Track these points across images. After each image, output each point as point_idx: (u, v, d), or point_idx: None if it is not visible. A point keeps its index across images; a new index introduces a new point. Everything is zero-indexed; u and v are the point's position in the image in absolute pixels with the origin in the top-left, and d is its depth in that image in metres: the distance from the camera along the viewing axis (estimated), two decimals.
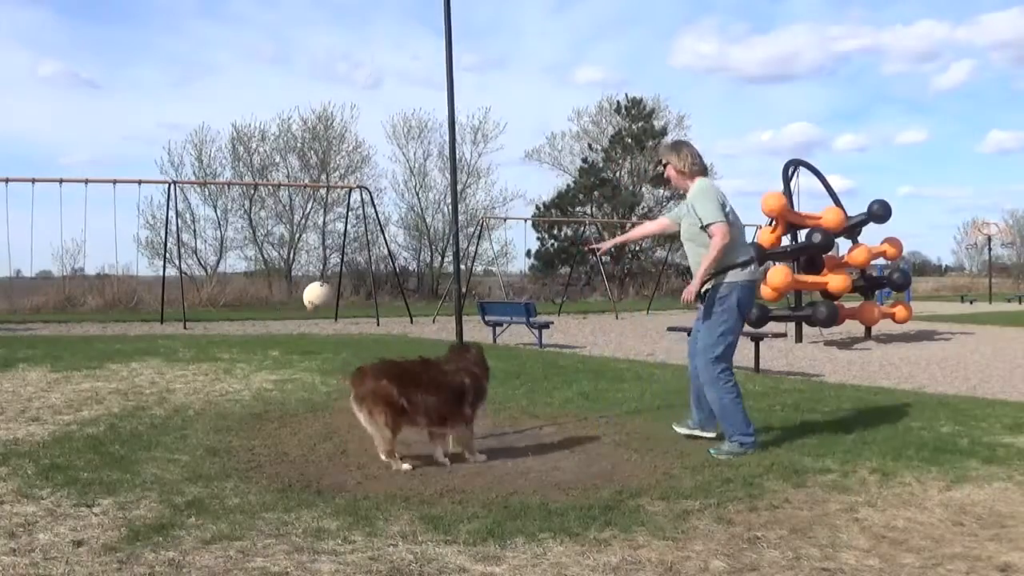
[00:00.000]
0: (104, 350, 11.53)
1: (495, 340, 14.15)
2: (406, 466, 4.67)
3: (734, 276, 5.16)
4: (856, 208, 14.93)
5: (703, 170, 5.51)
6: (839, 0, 77.31)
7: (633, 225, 40.03)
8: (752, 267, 5.25)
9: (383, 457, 4.73)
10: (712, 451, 5.05)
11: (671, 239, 36.03)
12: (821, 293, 14.49)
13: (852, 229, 14.73)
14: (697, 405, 5.47)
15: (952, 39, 74.40)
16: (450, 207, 6.61)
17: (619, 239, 6.49)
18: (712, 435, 5.40)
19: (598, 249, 5.90)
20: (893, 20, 79.92)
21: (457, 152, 6.05)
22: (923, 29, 75.39)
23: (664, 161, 5.59)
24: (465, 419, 4.86)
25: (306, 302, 5.89)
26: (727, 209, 5.22)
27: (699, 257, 5.22)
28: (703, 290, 5.22)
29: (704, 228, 5.16)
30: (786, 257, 14.72)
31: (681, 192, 5.63)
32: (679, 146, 5.62)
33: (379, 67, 65.40)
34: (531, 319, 13.65)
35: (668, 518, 3.74)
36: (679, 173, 5.48)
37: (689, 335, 5.82)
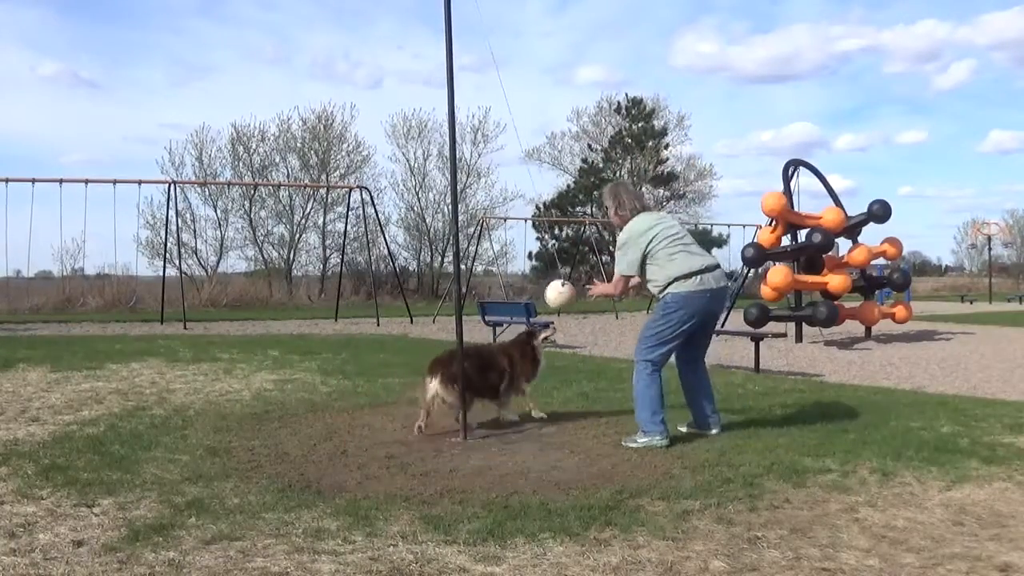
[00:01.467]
0: (104, 350, 11.54)
1: (495, 340, 14.15)
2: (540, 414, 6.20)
3: (678, 287, 5.41)
4: (856, 208, 14.94)
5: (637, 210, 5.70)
6: (840, 0, 77.29)
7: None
8: (698, 278, 5.41)
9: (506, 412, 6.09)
10: (624, 440, 5.36)
11: None
12: (821, 293, 14.48)
13: (852, 229, 14.72)
14: (691, 406, 5.76)
15: (953, 39, 74.45)
16: (450, 207, 6.60)
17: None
18: (715, 431, 5.64)
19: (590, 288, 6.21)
20: (894, 20, 80.00)
21: (457, 152, 6.04)
22: (924, 29, 75.43)
23: (608, 209, 5.81)
24: (514, 390, 6.12)
25: (552, 302, 6.16)
26: (646, 248, 5.49)
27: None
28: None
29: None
30: (786, 257, 14.72)
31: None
32: (611, 193, 5.84)
33: (379, 67, 65.40)
34: (531, 319, 13.65)
35: (668, 518, 3.74)
36: (618, 219, 5.70)
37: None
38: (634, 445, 5.25)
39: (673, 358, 5.67)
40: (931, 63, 77.06)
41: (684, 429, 5.72)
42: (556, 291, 6.06)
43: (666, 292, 5.45)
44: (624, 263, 5.60)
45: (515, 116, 76.61)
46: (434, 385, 5.70)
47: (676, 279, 5.41)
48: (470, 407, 5.71)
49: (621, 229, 5.69)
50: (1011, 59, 75.77)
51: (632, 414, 6.36)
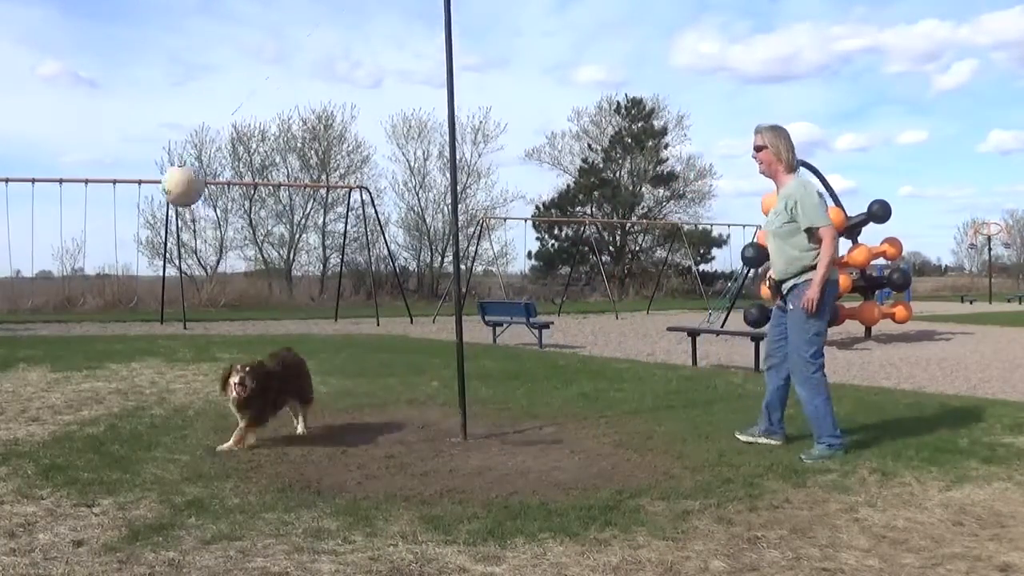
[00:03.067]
0: (104, 350, 11.54)
1: (495, 340, 14.15)
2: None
3: (832, 274, 5.06)
4: (856, 208, 14.93)
5: (796, 167, 5.25)
6: (841, 0, 77.24)
7: (634, 222, 40.16)
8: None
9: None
10: (803, 456, 4.92)
11: (673, 238, 36.11)
12: None
13: (852, 229, 14.72)
14: (767, 413, 5.37)
15: (954, 39, 74.30)
16: (450, 207, 6.60)
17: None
18: (778, 443, 5.29)
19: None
20: (895, 20, 79.73)
21: (457, 152, 6.03)
22: (925, 29, 75.24)
23: (763, 142, 5.16)
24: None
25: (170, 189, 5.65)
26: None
27: (788, 256, 5.10)
28: (785, 291, 5.14)
29: (811, 230, 5.00)
30: None
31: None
32: (781, 132, 5.19)
33: (379, 67, 65.38)
34: (531, 319, 13.65)
35: (668, 518, 3.74)
36: (777, 161, 5.15)
37: (764, 339, 5.55)
38: (811, 461, 4.81)
39: (769, 359, 5.36)
40: (932, 63, 76.96)
41: (745, 438, 5.37)
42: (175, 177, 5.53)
43: (807, 279, 5.00)
44: (826, 215, 4.97)
45: (515, 116, 76.55)
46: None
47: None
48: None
49: (766, 172, 5.19)
50: (1012, 59, 75.68)
51: (632, 416, 6.38)
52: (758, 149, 5.19)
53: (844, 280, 13.93)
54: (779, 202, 5.16)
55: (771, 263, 5.33)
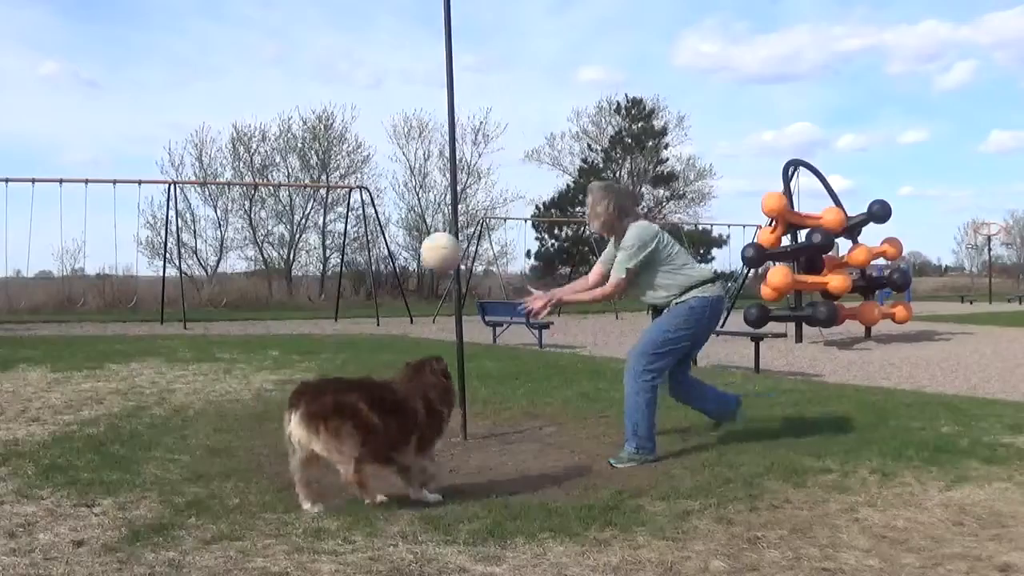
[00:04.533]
0: (104, 350, 11.54)
1: (495, 340, 14.15)
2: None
3: (704, 291, 5.13)
4: (857, 208, 14.94)
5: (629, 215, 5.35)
6: (841, 0, 77.20)
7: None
8: (718, 284, 5.29)
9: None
10: (612, 460, 4.89)
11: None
12: (821, 293, 14.48)
13: (852, 229, 14.73)
14: (705, 412, 5.68)
15: (955, 39, 74.26)
16: (450, 207, 6.60)
17: (557, 296, 5.69)
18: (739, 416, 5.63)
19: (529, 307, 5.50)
20: (896, 20, 79.68)
21: (457, 152, 6.03)
22: (926, 29, 75.19)
23: (593, 203, 5.31)
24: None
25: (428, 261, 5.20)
26: (655, 253, 5.13)
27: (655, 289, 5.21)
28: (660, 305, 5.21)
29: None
30: (786, 257, 14.72)
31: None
32: (609, 190, 5.42)
33: (380, 67, 65.43)
34: (531, 319, 13.64)
35: (668, 518, 3.74)
36: (613, 218, 5.27)
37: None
38: (623, 465, 4.81)
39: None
40: (933, 63, 76.96)
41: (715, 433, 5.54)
42: (436, 245, 5.29)
43: (688, 296, 5.08)
44: (633, 262, 5.09)
45: (516, 116, 76.61)
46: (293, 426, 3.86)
47: (702, 283, 5.12)
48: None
49: (608, 232, 5.32)
50: (1013, 59, 75.63)
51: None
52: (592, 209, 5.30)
53: (844, 280, 13.95)
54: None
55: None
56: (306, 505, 3.85)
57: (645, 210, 42.13)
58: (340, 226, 32.05)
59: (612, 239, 5.39)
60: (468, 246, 31.45)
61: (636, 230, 5.18)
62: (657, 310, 5.29)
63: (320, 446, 3.76)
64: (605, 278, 5.38)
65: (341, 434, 3.77)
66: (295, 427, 3.77)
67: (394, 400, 4.00)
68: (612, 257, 5.35)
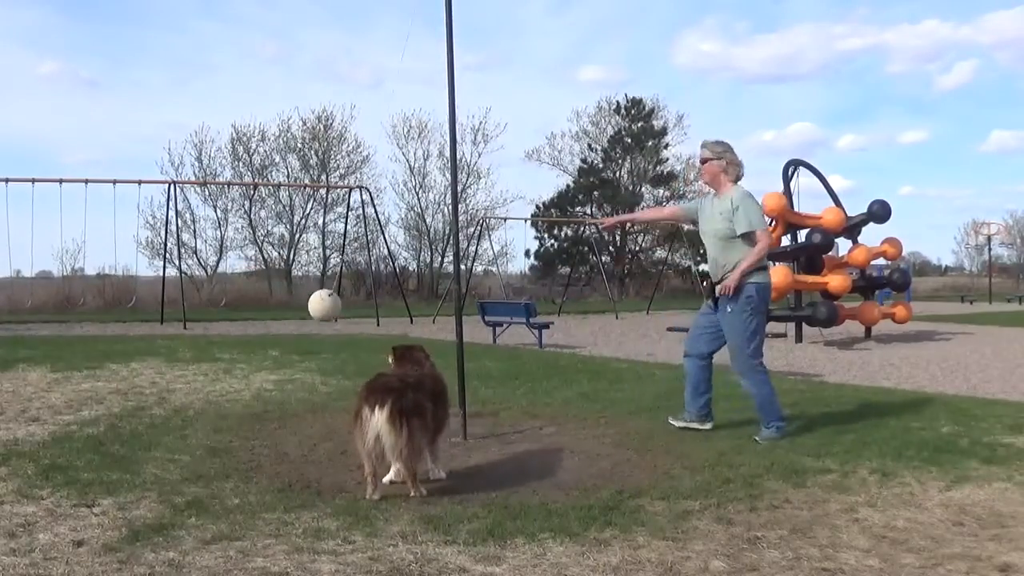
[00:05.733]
0: (104, 350, 11.54)
1: (495, 340, 14.16)
2: None
3: (760, 277, 5.48)
4: (857, 208, 14.94)
5: (740, 177, 5.72)
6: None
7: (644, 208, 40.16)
8: (769, 268, 5.64)
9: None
10: (756, 438, 5.40)
11: (673, 238, 36.11)
12: (821, 293, 14.48)
13: (852, 229, 14.72)
14: (692, 399, 5.76)
15: (955, 39, 74.21)
16: (450, 207, 6.60)
17: (628, 217, 6.49)
18: (708, 427, 5.71)
19: (602, 224, 6.12)
20: (897, 20, 79.58)
21: (457, 152, 6.04)
22: (927, 28, 75.15)
23: (709, 155, 5.64)
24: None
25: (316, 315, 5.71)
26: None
27: (726, 256, 5.52)
28: (719, 290, 5.50)
29: (746, 234, 5.43)
30: (786, 257, 14.71)
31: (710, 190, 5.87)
32: (727, 146, 5.68)
33: (380, 66, 65.38)
34: (531, 319, 13.65)
35: (668, 518, 3.74)
36: (722, 172, 5.60)
37: (689, 331, 6.02)
38: (766, 442, 5.32)
39: (690, 350, 5.79)
40: (933, 63, 76.88)
41: (678, 423, 5.76)
42: (319, 300, 5.80)
43: (755, 279, 5.44)
44: (763, 219, 5.60)
45: (516, 116, 76.61)
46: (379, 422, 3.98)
47: (764, 268, 5.50)
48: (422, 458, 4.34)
49: (710, 182, 5.69)
50: (1014, 59, 75.58)
51: (632, 416, 6.38)
52: (704, 161, 5.69)
53: (844, 280, 13.94)
54: (722, 204, 5.56)
55: (709, 265, 5.76)
56: (376, 495, 4.04)
57: (645, 209, 42.18)
58: (340, 226, 32.12)
59: (706, 199, 5.80)
60: (468, 246, 31.50)
61: (746, 190, 5.59)
62: (713, 286, 5.59)
63: (403, 441, 3.98)
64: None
65: (420, 430, 4.10)
66: (384, 423, 3.94)
67: (435, 392, 4.42)
68: (695, 209, 5.82)
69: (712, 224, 5.61)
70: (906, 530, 3.62)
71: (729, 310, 5.46)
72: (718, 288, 5.48)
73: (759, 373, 5.51)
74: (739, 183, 5.63)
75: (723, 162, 5.57)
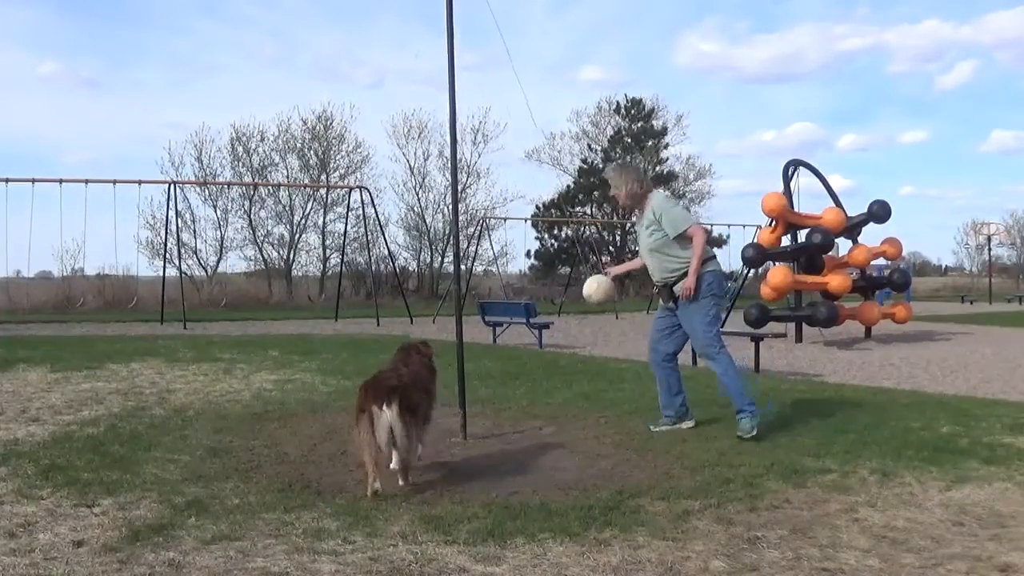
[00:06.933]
0: (104, 350, 11.54)
1: (495, 340, 14.16)
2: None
3: (711, 266, 5.62)
4: (857, 208, 14.94)
5: (650, 183, 5.90)
6: None
7: (633, 222, 40.30)
8: (715, 256, 5.77)
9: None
10: (739, 434, 5.41)
11: None
12: (821, 293, 14.49)
13: (852, 229, 14.73)
14: (668, 400, 5.86)
15: (956, 38, 74.24)
16: (450, 207, 6.60)
17: (627, 267, 6.46)
18: (691, 424, 5.82)
19: (607, 271, 6.23)
20: (898, 19, 79.55)
21: (457, 152, 6.04)
22: (927, 28, 75.17)
23: (614, 188, 5.79)
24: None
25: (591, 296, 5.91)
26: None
27: (668, 263, 5.64)
28: (682, 295, 5.59)
29: (680, 235, 5.56)
30: (786, 257, 14.72)
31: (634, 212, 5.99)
32: (619, 169, 5.88)
33: (380, 66, 65.38)
34: (531, 319, 13.65)
35: (668, 518, 3.74)
36: (633, 195, 5.75)
37: (650, 337, 6.10)
38: (751, 434, 5.37)
39: (655, 355, 5.89)
40: (934, 63, 76.92)
41: (662, 428, 5.78)
42: (596, 283, 5.90)
43: (707, 269, 5.58)
44: (688, 215, 5.76)
45: (516, 116, 76.49)
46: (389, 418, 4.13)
47: (712, 257, 5.65)
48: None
49: (630, 206, 5.81)
50: (1014, 58, 75.63)
51: (632, 416, 6.38)
52: (615, 196, 5.84)
53: (844, 280, 13.94)
54: (647, 218, 5.69)
55: (652, 274, 5.82)
56: (379, 487, 4.13)
57: None
58: (340, 226, 32.09)
59: (638, 218, 5.87)
60: (468, 246, 31.48)
61: (663, 195, 5.80)
62: (670, 290, 5.65)
63: (409, 435, 4.21)
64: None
65: (421, 425, 4.48)
66: (395, 419, 4.12)
67: (427, 389, 4.73)
68: (645, 238, 5.79)
69: (644, 241, 5.75)
70: (906, 530, 3.62)
71: (689, 303, 5.57)
72: (680, 291, 5.55)
73: (723, 354, 5.60)
74: (654, 190, 5.82)
75: (627, 185, 5.70)
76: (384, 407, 4.11)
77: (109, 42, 60.12)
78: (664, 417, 5.85)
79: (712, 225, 38.39)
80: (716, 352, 5.59)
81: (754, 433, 5.38)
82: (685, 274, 5.53)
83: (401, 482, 4.28)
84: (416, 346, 5.15)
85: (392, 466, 4.31)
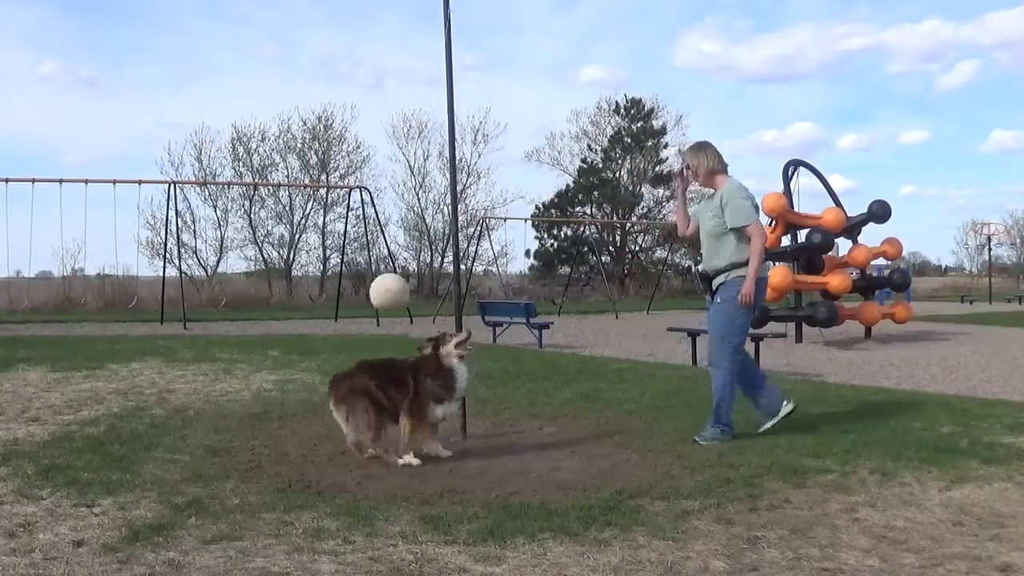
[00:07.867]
0: (104, 350, 11.54)
1: (495, 340, 14.15)
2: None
3: (761, 271, 5.42)
4: (857, 208, 14.94)
5: (726, 168, 5.63)
6: None
7: (633, 222, 40.20)
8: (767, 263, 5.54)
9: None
10: (697, 438, 5.35)
11: (672, 238, 36.13)
12: (821, 293, 14.48)
13: (852, 229, 14.73)
14: (755, 396, 5.70)
15: (957, 38, 74.33)
16: (450, 207, 6.61)
17: (683, 211, 5.93)
18: (791, 407, 5.66)
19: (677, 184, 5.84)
20: (898, 19, 79.75)
21: (457, 152, 6.03)
22: (928, 28, 75.27)
23: (688, 164, 5.63)
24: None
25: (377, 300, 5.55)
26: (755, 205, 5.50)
27: (716, 259, 5.46)
28: (716, 286, 5.47)
29: (736, 228, 5.36)
30: (786, 257, 14.71)
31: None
32: (702, 147, 5.67)
33: (380, 66, 65.38)
34: (531, 319, 13.65)
35: (668, 518, 3.74)
36: (707, 172, 5.56)
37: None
38: (710, 443, 5.26)
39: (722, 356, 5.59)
40: (934, 63, 77.05)
41: (765, 427, 5.64)
42: (384, 288, 5.45)
43: (739, 274, 5.38)
44: (754, 215, 5.40)
45: (516, 116, 76.61)
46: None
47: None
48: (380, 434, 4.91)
49: (707, 185, 5.61)
50: (1015, 58, 75.79)
51: (632, 416, 6.38)
52: (688, 168, 5.65)
53: (844, 280, 13.94)
54: (713, 202, 5.51)
55: (703, 260, 5.69)
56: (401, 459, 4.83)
57: (645, 209, 42.16)
58: (340, 226, 32.10)
59: (706, 198, 5.69)
60: (468, 246, 31.48)
61: (737, 183, 5.50)
62: (709, 282, 5.51)
63: (348, 419, 4.95)
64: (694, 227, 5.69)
65: (373, 412, 4.94)
66: (332, 407, 4.93)
67: (398, 379, 5.05)
68: (696, 214, 5.66)
69: (705, 223, 5.57)
70: (906, 530, 3.62)
71: (720, 300, 5.44)
72: (725, 296, 5.38)
73: (728, 372, 5.45)
74: (728, 175, 5.57)
75: (707, 161, 5.53)
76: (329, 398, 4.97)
77: (109, 42, 60.25)
78: (758, 413, 5.71)
79: None
80: (724, 364, 5.45)
81: (714, 444, 5.25)
82: (726, 273, 5.36)
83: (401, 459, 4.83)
84: (435, 338, 5.19)
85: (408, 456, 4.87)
